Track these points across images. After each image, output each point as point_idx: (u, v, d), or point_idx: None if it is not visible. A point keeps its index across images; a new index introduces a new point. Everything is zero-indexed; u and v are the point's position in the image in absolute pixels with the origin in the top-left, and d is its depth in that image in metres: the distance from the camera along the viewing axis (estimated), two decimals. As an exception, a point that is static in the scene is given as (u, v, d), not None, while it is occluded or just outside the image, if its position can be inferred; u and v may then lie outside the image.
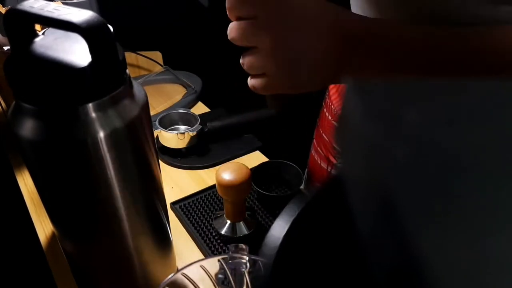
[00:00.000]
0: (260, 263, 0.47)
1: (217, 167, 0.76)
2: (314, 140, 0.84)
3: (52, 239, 0.62)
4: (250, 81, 0.45)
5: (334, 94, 0.74)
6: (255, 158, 0.79)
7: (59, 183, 0.40)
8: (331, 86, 0.76)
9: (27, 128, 0.37)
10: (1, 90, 0.82)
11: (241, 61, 0.44)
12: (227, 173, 0.56)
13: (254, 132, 0.85)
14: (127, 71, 0.41)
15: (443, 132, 0.13)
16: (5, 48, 0.73)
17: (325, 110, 0.78)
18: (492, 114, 0.14)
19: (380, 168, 0.13)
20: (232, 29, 0.42)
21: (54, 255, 0.59)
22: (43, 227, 0.64)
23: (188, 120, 0.82)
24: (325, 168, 0.80)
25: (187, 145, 0.77)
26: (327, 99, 0.77)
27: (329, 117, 0.77)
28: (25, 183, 0.73)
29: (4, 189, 0.97)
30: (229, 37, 0.43)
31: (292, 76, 0.42)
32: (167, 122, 0.81)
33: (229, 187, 0.55)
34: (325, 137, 0.79)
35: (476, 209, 0.11)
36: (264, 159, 0.79)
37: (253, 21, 0.40)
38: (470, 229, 0.11)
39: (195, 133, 0.76)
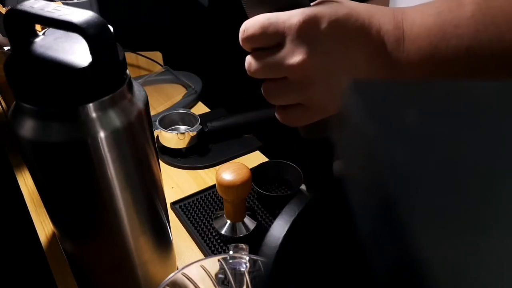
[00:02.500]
0: (260, 263, 0.47)
1: (217, 167, 0.77)
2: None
3: (52, 239, 0.62)
4: (282, 115, 0.40)
5: None
6: (255, 158, 0.79)
7: (59, 183, 0.40)
8: None
9: (27, 128, 0.37)
10: (1, 90, 0.82)
11: (263, 90, 0.39)
12: (227, 173, 0.56)
13: (254, 132, 0.85)
14: (127, 71, 0.41)
15: (443, 132, 0.13)
16: (5, 48, 0.73)
17: None
18: (492, 114, 0.14)
19: (380, 168, 0.13)
20: (267, 89, 0.38)
21: (54, 255, 0.59)
22: (43, 227, 0.64)
23: (188, 120, 0.82)
24: None
25: (187, 145, 0.77)
26: None
27: None
28: (25, 183, 0.73)
29: (4, 189, 0.98)
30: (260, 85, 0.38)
31: (337, 98, 0.37)
32: (167, 122, 0.81)
33: (229, 187, 0.55)
34: None
35: (476, 209, 0.11)
36: (264, 159, 0.79)
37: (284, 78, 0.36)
38: (470, 229, 0.11)
39: (195, 133, 0.76)
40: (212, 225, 0.63)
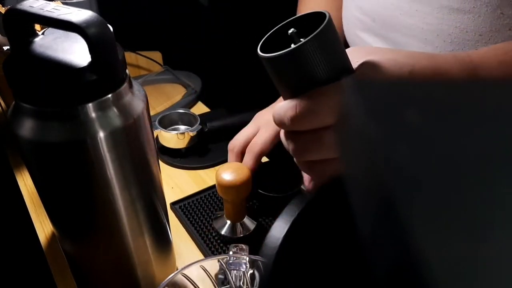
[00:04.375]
0: (260, 263, 0.47)
1: (217, 167, 0.76)
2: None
3: (52, 239, 0.62)
4: (310, 169, 0.37)
5: None
6: (255, 158, 0.79)
7: (59, 183, 0.40)
8: None
9: (27, 128, 0.37)
10: (0, 90, 0.82)
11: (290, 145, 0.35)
12: (227, 173, 0.56)
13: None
14: (127, 71, 0.40)
15: (443, 132, 0.13)
16: (5, 48, 0.73)
17: None
18: (492, 114, 0.14)
19: (380, 168, 0.13)
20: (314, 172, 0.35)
21: (54, 255, 0.59)
22: (43, 227, 0.64)
23: (188, 120, 0.82)
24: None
25: (187, 145, 0.77)
26: None
27: None
28: (25, 183, 0.73)
29: (4, 189, 0.97)
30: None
31: None
32: (167, 122, 0.81)
33: (229, 187, 0.55)
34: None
35: (477, 209, 0.11)
36: (264, 159, 0.79)
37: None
38: (471, 229, 0.11)
39: (195, 133, 0.76)
40: (212, 225, 0.63)
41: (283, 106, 0.33)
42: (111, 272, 0.49)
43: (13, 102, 0.39)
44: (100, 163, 0.39)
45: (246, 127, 0.67)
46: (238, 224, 0.61)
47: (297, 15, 0.34)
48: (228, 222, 0.61)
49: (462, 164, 0.12)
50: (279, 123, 0.34)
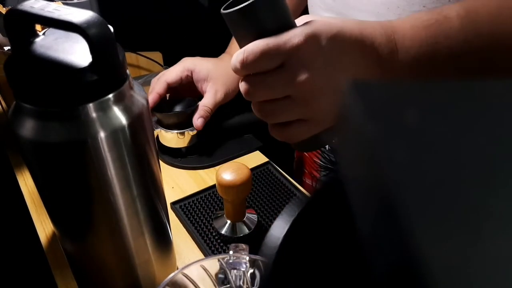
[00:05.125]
0: (260, 263, 0.47)
1: (217, 167, 0.77)
2: (296, 158, 0.85)
3: (53, 239, 0.62)
4: (280, 133, 0.42)
5: None
6: (255, 158, 0.79)
7: (59, 183, 0.40)
8: None
9: (27, 128, 0.37)
10: (1, 90, 0.82)
11: (260, 111, 0.41)
12: (227, 173, 0.56)
13: (254, 132, 0.85)
14: (128, 71, 0.41)
15: (443, 132, 0.13)
16: (6, 48, 0.73)
17: None
18: (492, 114, 0.14)
19: (380, 168, 0.13)
20: (263, 110, 0.40)
21: (54, 255, 0.59)
22: (44, 227, 0.64)
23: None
24: (310, 183, 0.81)
25: (187, 145, 0.77)
26: None
27: None
28: (26, 183, 0.73)
29: (4, 189, 0.98)
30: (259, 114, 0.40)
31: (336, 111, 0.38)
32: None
33: (229, 187, 0.55)
34: (306, 154, 0.80)
35: (477, 209, 0.11)
36: (264, 159, 0.79)
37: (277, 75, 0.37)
38: (470, 229, 0.11)
39: (195, 133, 0.76)
40: (212, 225, 0.63)
41: (236, 53, 0.38)
42: (111, 272, 0.49)
43: (14, 102, 0.39)
44: (101, 163, 0.39)
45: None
46: (238, 224, 0.61)
47: None
48: (228, 222, 0.62)
49: (462, 164, 0.13)
50: (234, 69, 0.39)
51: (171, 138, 0.76)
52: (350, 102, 0.15)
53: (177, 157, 0.78)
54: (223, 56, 0.80)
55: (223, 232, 0.61)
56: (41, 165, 0.40)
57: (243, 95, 0.40)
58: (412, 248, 0.11)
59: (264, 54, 0.36)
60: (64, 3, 0.77)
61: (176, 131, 0.76)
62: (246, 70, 0.38)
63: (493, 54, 0.38)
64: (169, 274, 0.45)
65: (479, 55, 0.38)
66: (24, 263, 1.18)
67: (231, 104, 0.81)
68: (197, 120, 0.72)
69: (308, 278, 0.20)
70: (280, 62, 0.37)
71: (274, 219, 0.57)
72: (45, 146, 0.37)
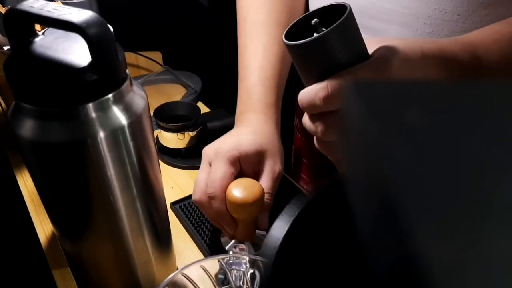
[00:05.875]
0: (260, 263, 0.47)
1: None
2: (292, 161, 0.85)
3: (52, 239, 0.62)
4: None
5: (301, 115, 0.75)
6: (255, 158, 0.79)
7: (59, 183, 0.40)
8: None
9: (27, 128, 0.37)
10: (1, 90, 0.82)
11: (324, 149, 0.38)
12: (238, 190, 0.52)
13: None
14: (127, 71, 0.41)
15: (443, 132, 0.13)
16: (5, 48, 0.73)
17: (296, 131, 0.79)
18: (493, 114, 0.14)
19: (381, 168, 0.13)
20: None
21: (54, 255, 0.59)
22: (43, 227, 0.64)
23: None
24: (305, 187, 0.81)
25: (187, 145, 0.77)
26: (296, 122, 0.78)
27: (302, 138, 0.77)
28: (25, 183, 0.73)
29: (4, 189, 0.97)
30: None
31: None
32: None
33: (240, 206, 0.52)
34: (302, 157, 0.80)
35: (477, 209, 0.11)
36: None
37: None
38: (471, 229, 0.11)
39: (195, 133, 0.76)
40: (220, 242, 0.61)
41: (312, 89, 0.35)
42: (111, 272, 0.49)
43: (14, 102, 0.39)
44: (100, 163, 0.39)
45: (199, 170, 0.56)
46: (247, 243, 0.57)
47: (319, 7, 0.36)
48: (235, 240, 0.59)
49: (463, 165, 0.12)
50: (309, 105, 0.35)
51: (171, 139, 0.76)
52: (351, 102, 0.15)
53: (177, 157, 0.78)
54: (242, 123, 0.60)
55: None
56: (40, 165, 0.40)
57: (313, 133, 0.38)
58: (412, 248, 0.11)
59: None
60: (63, 3, 0.77)
61: (176, 132, 0.76)
62: (329, 107, 0.35)
63: None
64: (169, 275, 0.45)
65: None
66: (24, 263, 1.18)
67: (231, 104, 0.81)
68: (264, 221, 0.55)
69: (308, 278, 0.20)
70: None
71: (274, 219, 0.57)
72: (45, 146, 0.37)
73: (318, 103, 0.35)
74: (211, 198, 0.50)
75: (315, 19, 0.35)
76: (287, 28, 0.36)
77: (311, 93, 0.35)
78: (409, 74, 0.35)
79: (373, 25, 0.52)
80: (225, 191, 0.52)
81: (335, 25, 0.33)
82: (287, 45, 0.35)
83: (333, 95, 0.34)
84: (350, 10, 0.34)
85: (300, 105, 0.37)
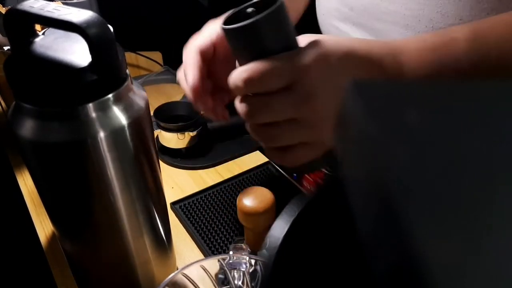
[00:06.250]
0: (260, 263, 0.47)
1: (217, 167, 0.77)
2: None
3: (52, 239, 0.62)
4: (281, 157, 0.39)
5: None
6: (255, 158, 0.79)
7: (59, 183, 0.40)
8: None
9: (27, 128, 0.37)
10: (1, 90, 0.82)
11: (259, 134, 0.38)
12: (249, 199, 0.52)
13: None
14: (127, 71, 0.41)
15: (443, 132, 0.13)
16: (5, 48, 0.73)
17: None
18: (493, 114, 0.14)
19: (381, 168, 0.13)
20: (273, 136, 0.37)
21: (54, 255, 0.59)
22: (43, 227, 0.64)
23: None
24: (307, 185, 0.81)
25: (187, 145, 0.77)
26: None
27: None
28: (25, 183, 0.73)
29: (4, 189, 0.97)
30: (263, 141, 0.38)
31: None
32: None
33: (250, 215, 0.52)
34: None
35: (477, 209, 0.11)
36: (264, 159, 0.79)
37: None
38: (470, 229, 0.11)
39: (195, 133, 0.76)
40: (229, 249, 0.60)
41: (237, 70, 0.36)
42: (111, 272, 0.49)
43: (14, 102, 0.39)
44: (101, 163, 0.39)
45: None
46: (259, 252, 0.58)
47: None
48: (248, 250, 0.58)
49: (463, 164, 0.12)
50: (233, 87, 0.37)
51: (171, 139, 0.76)
52: (351, 101, 0.15)
53: (177, 157, 0.78)
54: None
55: None
56: (40, 165, 0.40)
57: (243, 116, 0.38)
58: (412, 248, 0.11)
59: (272, 74, 0.34)
60: (63, 3, 0.77)
61: (176, 132, 0.76)
62: (250, 89, 0.36)
63: (501, 78, 0.37)
64: (169, 274, 0.45)
65: (486, 79, 0.37)
66: (24, 263, 1.18)
67: (231, 104, 0.81)
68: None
69: (308, 278, 0.20)
70: (287, 82, 0.35)
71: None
72: (45, 146, 0.37)
73: (240, 85, 0.36)
74: (193, 39, 0.49)
75: (251, 8, 0.37)
76: (229, 14, 0.38)
77: (235, 74, 0.36)
78: (328, 69, 0.35)
79: (376, 26, 0.52)
80: (212, 43, 0.47)
81: (263, 14, 0.35)
82: (222, 29, 0.37)
83: (253, 78, 0.35)
84: (282, 4, 0.35)
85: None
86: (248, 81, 0.35)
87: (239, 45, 0.37)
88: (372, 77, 0.37)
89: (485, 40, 0.37)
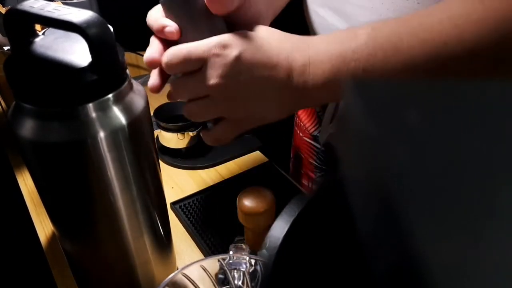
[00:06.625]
0: (260, 263, 0.47)
1: (217, 167, 0.77)
2: (292, 159, 0.85)
3: (52, 239, 0.62)
4: (207, 136, 0.46)
5: (302, 113, 0.76)
6: (255, 158, 0.79)
7: (59, 183, 0.40)
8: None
9: (27, 128, 0.37)
10: (1, 90, 0.82)
11: (187, 112, 0.45)
12: (249, 199, 0.52)
13: (254, 132, 0.85)
14: (127, 71, 0.41)
15: (443, 132, 0.13)
16: (5, 48, 0.73)
17: (296, 129, 0.79)
18: (493, 114, 0.14)
19: (380, 168, 0.13)
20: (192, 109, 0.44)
21: (54, 255, 0.59)
22: (43, 227, 0.64)
23: None
24: (306, 184, 0.81)
25: (187, 145, 0.77)
26: (296, 119, 0.79)
27: (301, 135, 0.77)
28: (25, 183, 0.73)
29: (4, 189, 0.97)
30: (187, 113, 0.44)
31: (254, 115, 0.43)
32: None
33: (250, 215, 0.52)
34: (301, 154, 0.80)
35: (477, 209, 0.11)
36: (264, 159, 0.79)
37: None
38: (470, 229, 0.11)
39: (195, 133, 0.76)
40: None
41: (164, 53, 0.42)
42: (111, 272, 0.49)
43: (14, 102, 0.39)
44: (101, 163, 0.39)
45: None
46: (260, 252, 0.58)
47: None
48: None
49: (463, 164, 0.12)
50: (164, 66, 0.42)
51: (171, 139, 0.76)
52: (350, 101, 0.15)
53: (177, 157, 0.78)
54: None
55: None
56: (41, 165, 0.40)
57: (167, 97, 0.45)
58: (412, 248, 0.11)
59: (185, 58, 0.40)
60: (63, 3, 0.77)
61: (176, 132, 0.76)
62: (170, 71, 0.42)
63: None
64: (168, 274, 0.45)
65: (383, 72, 0.40)
66: (24, 263, 1.18)
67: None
68: None
69: (308, 278, 0.20)
70: (199, 65, 0.40)
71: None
72: (45, 146, 0.37)
73: (164, 66, 0.42)
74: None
75: None
76: None
77: (163, 57, 0.42)
78: (245, 65, 0.40)
79: (346, 9, 0.53)
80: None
81: None
82: (161, 3, 0.42)
83: (171, 61, 0.41)
84: None
85: None
86: (167, 65, 0.41)
87: (172, 17, 0.42)
88: (279, 71, 0.41)
89: (379, 34, 0.39)
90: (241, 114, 0.43)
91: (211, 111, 0.44)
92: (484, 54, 0.37)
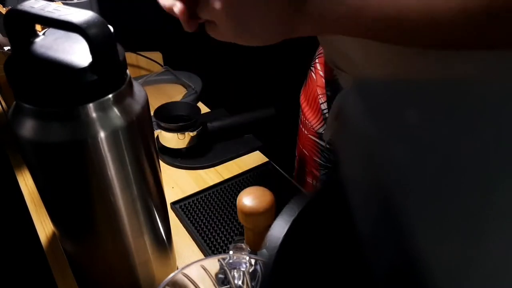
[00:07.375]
0: (260, 263, 0.47)
1: (217, 167, 0.77)
2: (297, 157, 0.85)
3: (53, 239, 0.62)
4: (209, 30, 0.47)
5: (307, 111, 0.75)
6: (255, 158, 0.79)
7: (59, 183, 0.40)
8: (303, 102, 0.76)
9: (27, 128, 0.37)
10: (1, 90, 0.82)
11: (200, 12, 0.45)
12: (249, 199, 0.52)
13: (254, 132, 0.85)
14: (127, 71, 0.41)
15: (443, 132, 0.13)
16: (6, 48, 0.73)
17: (301, 126, 0.79)
18: (492, 115, 0.14)
19: (380, 168, 0.13)
20: None
21: (54, 255, 0.59)
22: (44, 227, 0.64)
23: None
24: (310, 182, 0.81)
25: (187, 145, 0.77)
26: (301, 116, 0.78)
27: (306, 132, 0.77)
28: (26, 183, 0.73)
29: (4, 189, 0.98)
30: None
31: (241, 29, 0.42)
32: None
33: (250, 215, 0.52)
34: (305, 152, 0.80)
35: (476, 209, 0.11)
36: (264, 159, 0.79)
37: None
38: (469, 229, 0.11)
39: (195, 133, 0.76)
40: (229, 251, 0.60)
41: None
42: (111, 272, 0.49)
43: (14, 102, 0.39)
44: (101, 163, 0.39)
45: None
46: (260, 252, 0.58)
47: None
48: (248, 250, 0.59)
49: (462, 164, 0.12)
50: None
51: (171, 139, 0.76)
52: (351, 101, 0.15)
53: (177, 157, 0.78)
54: None
55: None
56: (41, 165, 0.40)
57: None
58: (412, 248, 0.11)
59: None
60: (64, 3, 0.77)
61: (176, 132, 0.76)
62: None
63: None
64: (169, 274, 0.45)
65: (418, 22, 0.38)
66: (24, 263, 1.18)
67: (231, 104, 0.81)
68: None
69: (308, 278, 0.20)
70: None
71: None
72: (45, 146, 0.37)
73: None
74: None
75: None
76: None
77: None
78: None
79: None
80: None
81: None
82: None
83: None
84: None
85: None
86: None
87: None
88: None
89: None
90: (222, 25, 0.43)
91: (205, 14, 0.44)
92: (477, 5, 0.35)
